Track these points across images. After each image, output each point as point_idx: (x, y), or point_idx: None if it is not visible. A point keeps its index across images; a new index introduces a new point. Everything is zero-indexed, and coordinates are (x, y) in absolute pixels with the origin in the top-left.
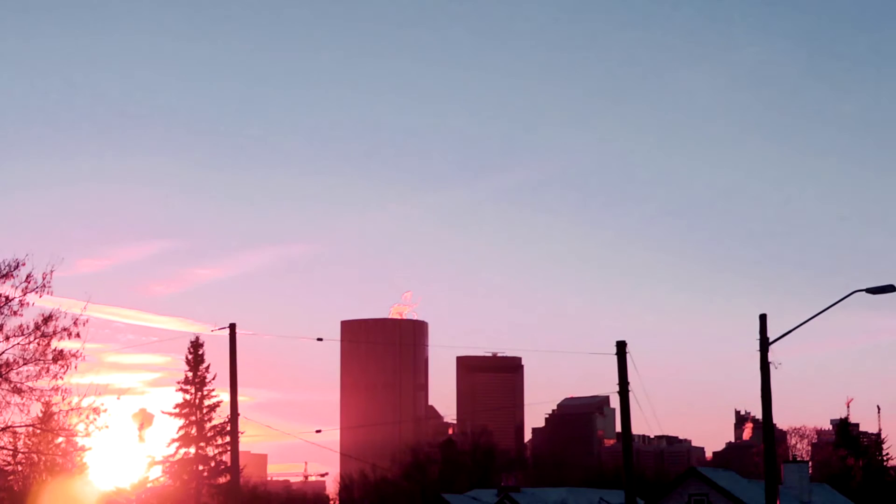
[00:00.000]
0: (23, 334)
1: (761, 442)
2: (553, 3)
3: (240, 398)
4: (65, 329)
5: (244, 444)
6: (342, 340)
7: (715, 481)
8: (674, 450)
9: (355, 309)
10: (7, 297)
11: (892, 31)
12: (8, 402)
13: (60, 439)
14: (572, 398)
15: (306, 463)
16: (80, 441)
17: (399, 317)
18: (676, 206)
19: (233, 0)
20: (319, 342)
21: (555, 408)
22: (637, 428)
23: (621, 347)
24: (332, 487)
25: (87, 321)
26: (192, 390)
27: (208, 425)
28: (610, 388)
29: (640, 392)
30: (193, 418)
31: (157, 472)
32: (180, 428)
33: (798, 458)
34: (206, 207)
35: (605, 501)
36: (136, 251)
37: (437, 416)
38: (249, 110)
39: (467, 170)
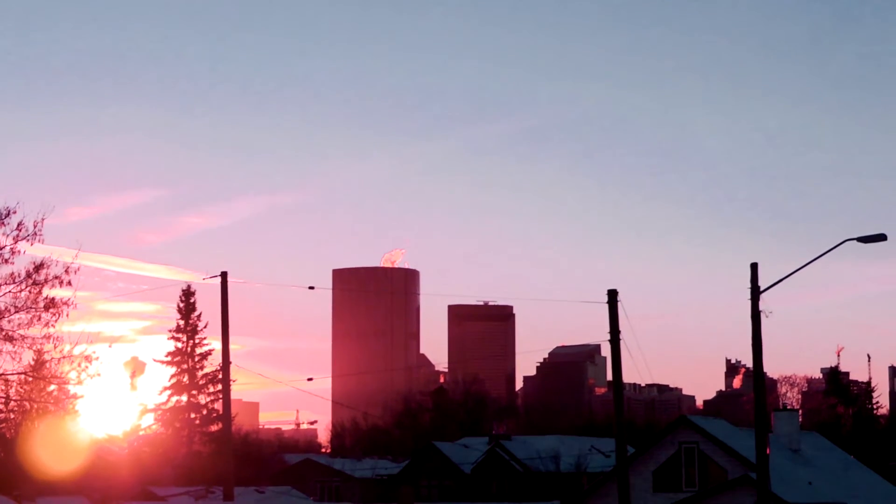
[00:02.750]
0: (14, 282)
1: (752, 390)
2: None
3: (231, 346)
4: (56, 277)
5: (236, 392)
6: (334, 289)
7: (705, 430)
8: (664, 398)
9: (347, 257)
10: None
11: None
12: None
13: (52, 387)
14: (563, 347)
15: (298, 411)
16: (72, 389)
17: (391, 265)
18: (668, 154)
19: None
20: (311, 290)
21: (546, 356)
22: (628, 376)
23: (612, 296)
24: (323, 435)
25: (78, 269)
26: (184, 338)
27: (200, 373)
28: (601, 337)
29: (632, 341)
30: (185, 366)
31: (149, 420)
32: (172, 376)
33: (788, 407)
34: (196, 156)
35: (596, 449)
36: (126, 199)
37: (429, 365)
38: (241, 59)
39: (459, 119)
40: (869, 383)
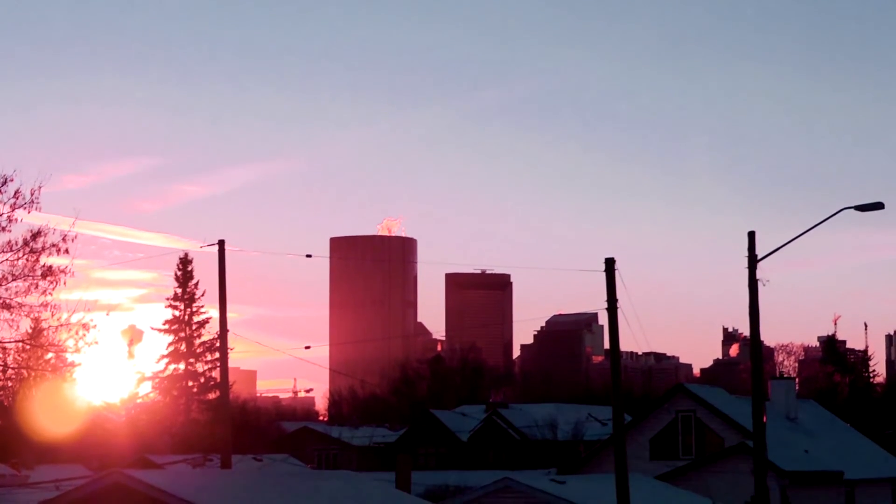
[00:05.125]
0: (11, 250)
1: (749, 359)
2: None
3: (229, 314)
4: (53, 245)
5: (233, 360)
6: (331, 257)
7: (702, 398)
8: (661, 366)
9: (344, 226)
10: None
11: None
12: None
13: (50, 355)
14: (561, 315)
15: (295, 379)
16: (69, 357)
17: (388, 233)
18: (666, 122)
19: None
20: (308, 259)
21: (543, 325)
22: (625, 345)
23: (610, 264)
24: (321, 403)
25: (75, 237)
26: (182, 307)
27: (198, 341)
28: (598, 305)
29: (629, 309)
30: (183, 335)
31: (146, 388)
32: (170, 344)
33: (785, 375)
34: (193, 123)
35: (593, 417)
36: (122, 167)
37: (426, 333)
38: (237, 26)
39: (457, 86)
40: (866, 351)
